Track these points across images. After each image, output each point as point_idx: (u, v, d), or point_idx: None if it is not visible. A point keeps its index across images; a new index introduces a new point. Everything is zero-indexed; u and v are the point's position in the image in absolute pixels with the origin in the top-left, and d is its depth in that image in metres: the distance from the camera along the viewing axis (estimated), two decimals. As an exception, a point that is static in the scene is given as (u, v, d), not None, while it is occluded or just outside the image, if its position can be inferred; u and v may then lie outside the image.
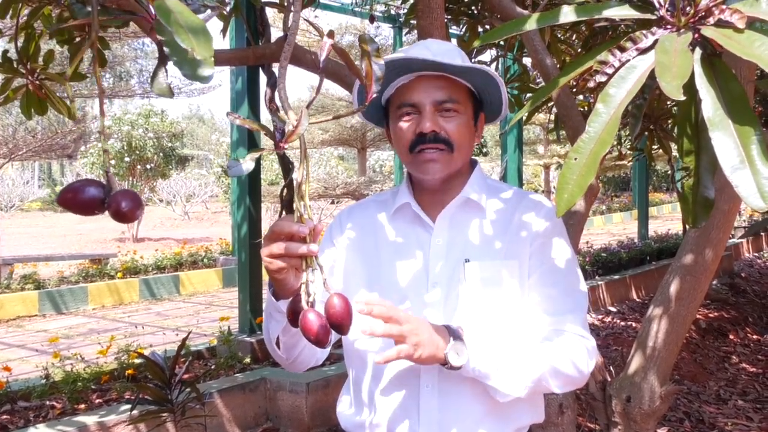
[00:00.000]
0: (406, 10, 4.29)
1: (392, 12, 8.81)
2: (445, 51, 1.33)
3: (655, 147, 4.07)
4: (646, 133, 3.82)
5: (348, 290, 1.43)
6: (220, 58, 3.09)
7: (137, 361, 4.00)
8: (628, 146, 5.26)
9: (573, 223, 2.53)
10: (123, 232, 16.22)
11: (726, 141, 0.87)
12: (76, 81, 2.98)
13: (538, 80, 4.11)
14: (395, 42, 9.59)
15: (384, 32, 15.03)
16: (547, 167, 20.39)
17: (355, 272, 1.41)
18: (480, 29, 3.64)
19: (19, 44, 2.65)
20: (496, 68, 4.10)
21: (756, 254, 11.40)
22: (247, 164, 0.94)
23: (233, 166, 0.94)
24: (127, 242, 15.07)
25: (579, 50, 3.79)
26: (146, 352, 3.29)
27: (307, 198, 0.97)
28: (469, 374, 1.22)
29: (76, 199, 0.80)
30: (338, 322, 0.97)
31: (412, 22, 4.02)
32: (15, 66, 2.65)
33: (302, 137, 0.94)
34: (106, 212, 0.80)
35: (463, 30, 3.89)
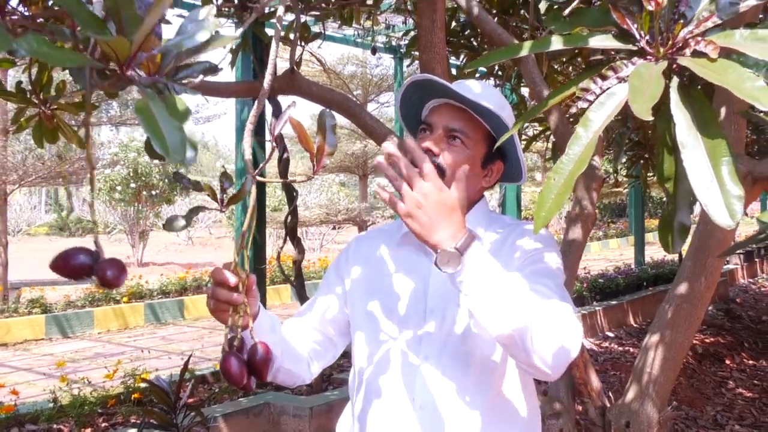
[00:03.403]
0: (407, 42, 4.40)
1: (393, 43, 8.95)
2: (478, 94, 1.36)
3: (650, 174, 4.15)
4: (641, 161, 3.90)
5: (353, 319, 1.48)
6: (228, 90, 3.19)
7: (143, 385, 4.05)
8: (624, 174, 5.35)
9: (572, 251, 2.58)
10: (128, 257, 16.28)
11: (698, 161, 0.91)
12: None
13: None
14: (396, 72, 9.73)
15: (385, 62, 15.27)
16: (547, 194, 20.36)
17: (359, 301, 1.46)
18: (479, 61, 3.74)
19: (33, 75, 2.75)
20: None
21: (751, 280, 11.46)
22: (182, 222, 1.08)
23: (173, 221, 1.09)
24: (131, 267, 15.13)
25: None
26: (151, 377, 3.35)
27: (247, 250, 1.11)
28: (454, 285, 1.14)
29: (66, 266, 0.89)
30: (257, 369, 1.11)
31: (413, 53, 4.13)
32: (28, 96, 2.74)
33: (250, 189, 1.08)
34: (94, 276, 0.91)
35: (463, 62, 4.00)
